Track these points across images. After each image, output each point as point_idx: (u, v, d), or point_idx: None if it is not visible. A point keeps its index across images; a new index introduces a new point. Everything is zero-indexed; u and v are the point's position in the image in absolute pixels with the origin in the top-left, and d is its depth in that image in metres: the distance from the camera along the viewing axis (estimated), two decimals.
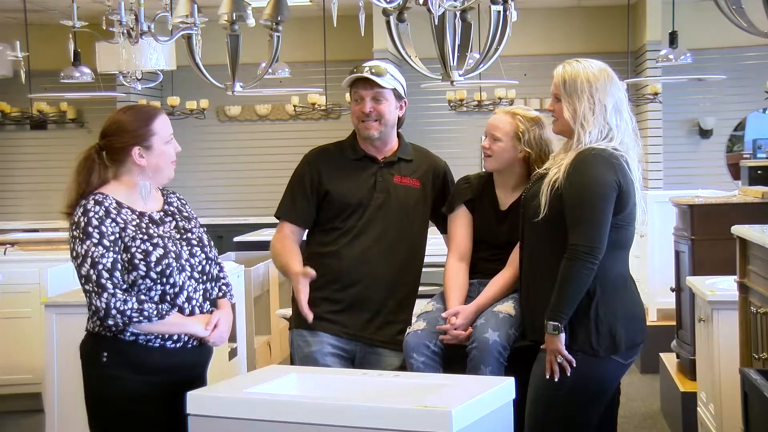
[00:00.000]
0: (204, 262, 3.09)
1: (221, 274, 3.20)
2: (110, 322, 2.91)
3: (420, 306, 3.62)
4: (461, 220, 3.60)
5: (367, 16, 4.30)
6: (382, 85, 3.48)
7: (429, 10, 2.64)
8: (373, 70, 3.49)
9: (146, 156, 3.04)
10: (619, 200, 3.16)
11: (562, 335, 3.12)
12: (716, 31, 9.47)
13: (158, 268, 2.95)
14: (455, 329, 3.39)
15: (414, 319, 3.57)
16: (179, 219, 3.14)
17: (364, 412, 2.59)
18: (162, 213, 3.11)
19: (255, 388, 2.87)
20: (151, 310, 2.93)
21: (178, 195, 3.25)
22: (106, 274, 2.90)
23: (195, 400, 2.79)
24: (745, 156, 10.89)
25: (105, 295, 2.89)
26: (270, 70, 3.81)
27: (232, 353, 4.96)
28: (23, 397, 6.12)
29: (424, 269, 3.70)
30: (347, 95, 9.46)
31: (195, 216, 3.23)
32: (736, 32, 2.90)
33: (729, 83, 9.91)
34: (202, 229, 3.18)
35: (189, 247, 3.07)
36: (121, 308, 2.89)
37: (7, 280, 5.91)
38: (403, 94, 3.57)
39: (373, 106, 3.50)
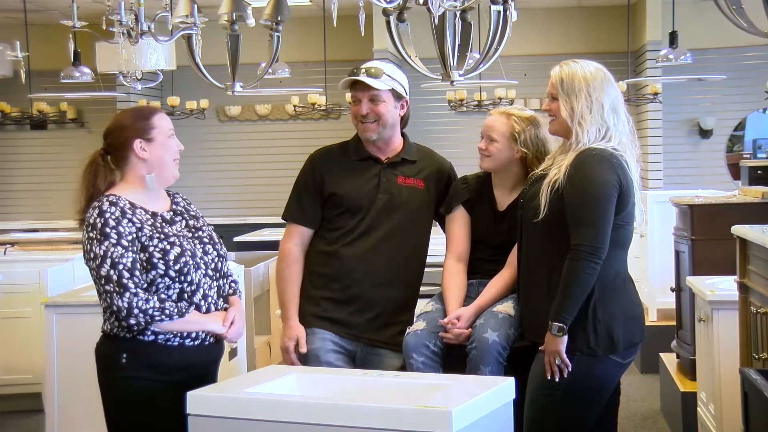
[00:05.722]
0: (216, 260, 3.14)
1: (229, 272, 3.25)
2: (132, 321, 2.93)
3: (420, 306, 3.62)
4: (459, 221, 3.60)
5: (367, 16, 4.30)
6: (375, 87, 3.48)
7: (429, 10, 2.64)
8: (370, 71, 3.49)
9: (148, 149, 3.07)
10: (619, 200, 3.16)
11: (565, 337, 3.12)
12: (716, 31, 9.48)
13: (176, 267, 2.99)
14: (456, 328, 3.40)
15: (414, 319, 3.57)
16: (188, 218, 3.19)
17: (364, 412, 2.59)
18: (172, 213, 3.17)
19: (255, 388, 2.87)
20: (172, 309, 2.97)
21: (182, 196, 3.31)
22: (127, 274, 2.92)
23: (195, 400, 2.80)
24: (745, 156, 10.89)
25: (127, 294, 2.91)
26: (270, 70, 3.81)
27: (232, 353, 4.96)
28: (23, 397, 6.12)
29: (425, 269, 3.70)
30: (347, 95, 9.51)
31: (201, 215, 3.28)
32: (736, 32, 2.90)
33: (729, 83, 9.91)
34: (210, 227, 3.23)
35: (201, 245, 3.12)
36: (143, 307, 2.92)
37: (7, 280, 5.91)
38: (403, 94, 3.55)
39: (370, 107, 3.50)
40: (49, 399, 4.51)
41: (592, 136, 3.21)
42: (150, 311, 2.93)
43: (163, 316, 2.95)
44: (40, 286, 5.81)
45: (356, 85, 3.51)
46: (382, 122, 3.52)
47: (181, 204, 3.23)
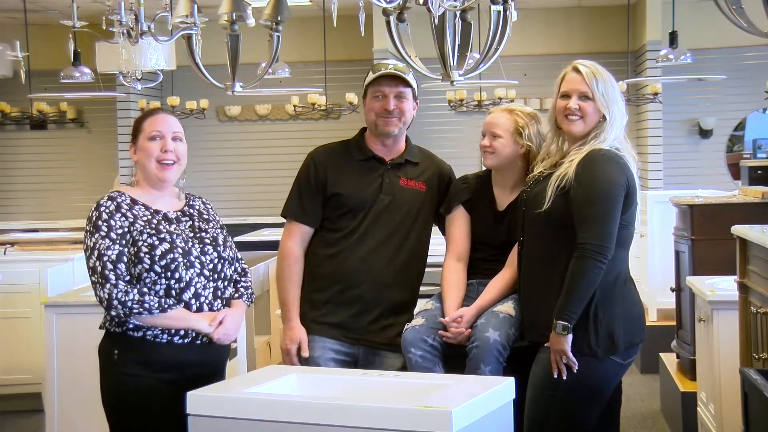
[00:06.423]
0: (216, 261, 3.14)
1: (243, 279, 3.27)
2: (113, 312, 2.98)
3: (419, 305, 3.62)
4: (459, 221, 3.60)
5: (367, 16, 4.29)
6: (409, 82, 3.50)
7: (429, 10, 2.63)
8: (399, 69, 3.50)
9: (137, 152, 3.18)
10: (625, 200, 3.18)
11: (570, 336, 3.12)
12: (716, 31, 9.47)
13: (162, 262, 3.01)
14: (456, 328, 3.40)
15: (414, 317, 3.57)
16: (197, 220, 3.21)
17: (364, 412, 2.60)
18: (180, 213, 3.19)
19: (255, 388, 2.87)
20: (152, 303, 2.98)
21: (204, 200, 3.34)
22: (110, 266, 2.97)
23: (195, 400, 2.80)
24: (745, 156, 10.89)
25: (107, 285, 2.96)
26: (270, 70, 3.80)
27: (232, 353, 4.95)
28: (23, 397, 6.12)
29: (425, 269, 3.70)
30: (347, 96, 9.52)
31: (217, 219, 3.29)
32: (736, 32, 2.89)
33: (729, 83, 9.90)
34: (221, 231, 3.23)
35: (201, 245, 3.12)
36: (123, 299, 2.96)
37: (7, 280, 5.91)
38: (417, 95, 3.59)
39: (396, 104, 3.52)
40: (49, 399, 4.51)
41: (613, 137, 3.24)
42: (129, 303, 2.96)
43: (141, 309, 2.97)
44: (40, 286, 5.82)
45: (383, 81, 3.52)
46: (404, 119, 3.55)
47: (197, 207, 3.26)
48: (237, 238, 7.86)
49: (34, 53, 8.66)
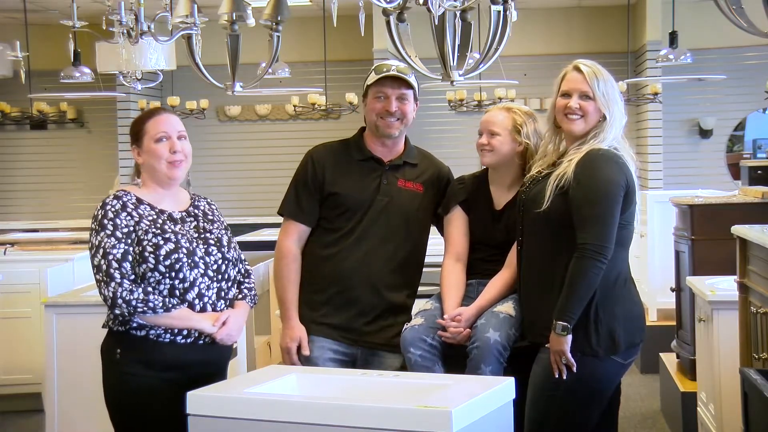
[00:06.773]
0: (220, 262, 3.15)
1: (246, 280, 3.27)
2: (117, 311, 2.99)
3: (418, 306, 3.62)
4: (457, 221, 3.60)
5: (367, 16, 4.29)
6: (411, 84, 3.50)
7: (429, 10, 2.63)
8: (402, 70, 3.50)
9: (142, 153, 3.17)
10: (624, 199, 3.18)
11: (569, 336, 3.12)
12: (716, 31, 9.47)
13: (167, 262, 3.02)
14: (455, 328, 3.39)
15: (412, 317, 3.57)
16: (202, 221, 3.22)
17: (364, 412, 2.60)
18: (185, 213, 3.20)
19: (255, 388, 2.87)
20: (156, 302, 2.99)
21: (209, 200, 3.34)
22: (115, 264, 2.98)
23: (195, 400, 2.80)
24: (745, 156, 10.89)
25: (112, 284, 2.97)
26: (270, 70, 3.80)
27: (233, 353, 4.95)
28: (23, 397, 6.12)
29: (423, 269, 3.70)
30: (347, 96, 9.51)
31: (222, 220, 3.30)
32: (736, 32, 2.90)
33: (729, 83, 9.89)
34: (225, 231, 3.24)
35: (205, 246, 3.13)
36: (127, 298, 2.96)
37: (7, 280, 5.91)
38: (417, 96, 3.59)
39: (398, 106, 3.51)
40: (49, 399, 4.51)
41: (612, 136, 3.24)
42: (133, 302, 2.97)
43: (145, 308, 2.98)
44: (40, 286, 5.82)
45: (386, 81, 3.51)
46: (406, 121, 3.55)
47: (202, 208, 3.27)
48: (237, 238, 7.81)
49: (34, 53, 8.66)
